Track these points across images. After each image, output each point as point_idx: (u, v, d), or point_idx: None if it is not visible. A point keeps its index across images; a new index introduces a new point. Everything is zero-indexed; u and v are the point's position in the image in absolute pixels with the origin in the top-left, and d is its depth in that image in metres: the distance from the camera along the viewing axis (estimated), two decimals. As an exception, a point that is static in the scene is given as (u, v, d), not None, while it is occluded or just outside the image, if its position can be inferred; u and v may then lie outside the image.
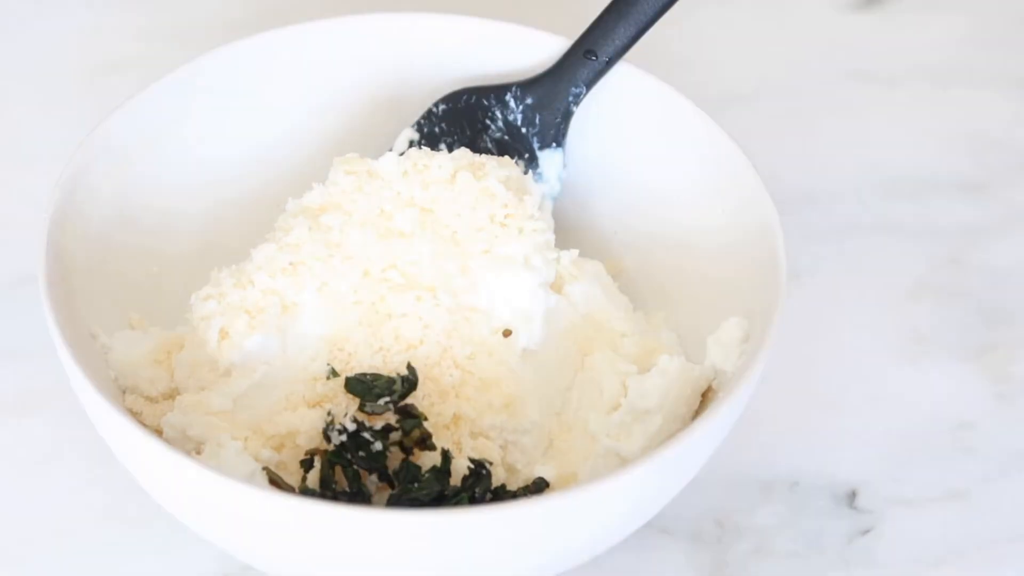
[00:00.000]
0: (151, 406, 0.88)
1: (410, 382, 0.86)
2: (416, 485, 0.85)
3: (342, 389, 0.87)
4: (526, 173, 0.96)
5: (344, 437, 0.86)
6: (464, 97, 0.97)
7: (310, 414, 0.86)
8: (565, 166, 0.97)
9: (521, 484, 0.87)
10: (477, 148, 0.96)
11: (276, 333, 0.87)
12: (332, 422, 0.86)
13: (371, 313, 0.87)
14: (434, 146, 0.97)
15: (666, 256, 0.95)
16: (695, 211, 0.94)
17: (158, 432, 0.86)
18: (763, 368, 0.84)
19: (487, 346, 0.87)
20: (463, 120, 0.97)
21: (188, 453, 0.84)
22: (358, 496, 0.85)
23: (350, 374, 0.87)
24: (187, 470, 0.78)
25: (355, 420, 0.86)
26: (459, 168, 0.91)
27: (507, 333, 0.87)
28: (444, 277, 0.87)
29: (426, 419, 0.86)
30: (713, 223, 0.93)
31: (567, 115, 0.96)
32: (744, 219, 0.91)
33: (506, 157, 0.94)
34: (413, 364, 0.86)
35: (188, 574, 0.89)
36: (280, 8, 1.15)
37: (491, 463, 0.86)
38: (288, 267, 0.88)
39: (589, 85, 0.96)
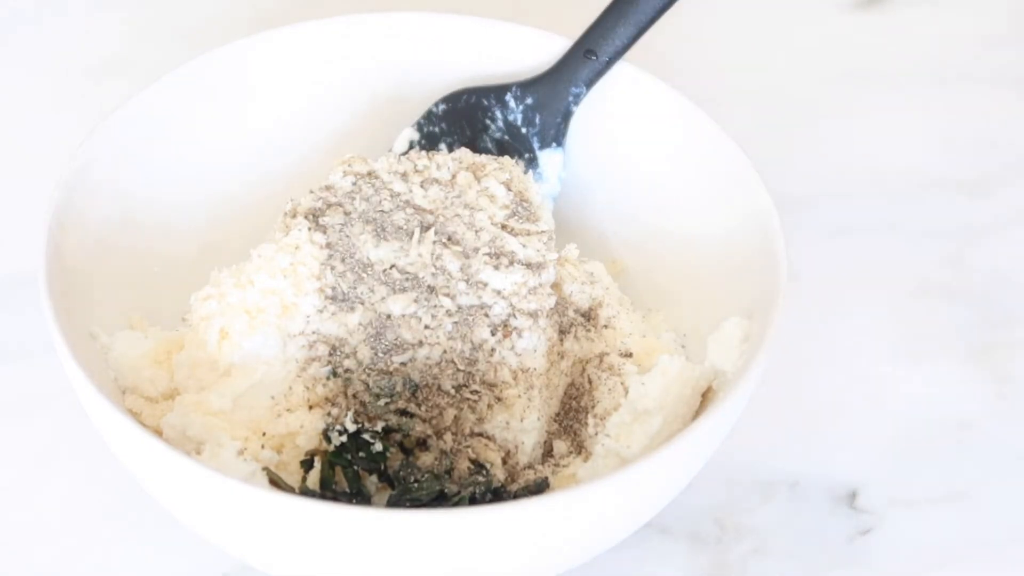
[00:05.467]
0: (151, 406, 0.88)
1: (410, 383, 0.86)
2: (416, 485, 0.85)
3: (342, 390, 0.87)
4: (526, 173, 0.96)
5: (344, 438, 0.86)
6: (464, 97, 0.97)
7: (310, 415, 0.86)
8: (565, 166, 0.97)
9: (521, 484, 0.87)
10: (477, 148, 0.97)
11: (276, 333, 0.87)
12: (332, 423, 0.86)
13: (371, 313, 0.87)
14: (434, 146, 0.98)
15: (666, 256, 0.95)
16: (695, 211, 0.94)
17: (158, 432, 0.86)
18: (763, 368, 0.84)
19: (487, 346, 0.87)
20: (463, 120, 0.97)
21: (188, 453, 0.84)
22: (358, 496, 0.85)
23: (350, 375, 0.87)
24: (187, 470, 0.78)
25: (355, 421, 0.86)
26: (459, 168, 0.91)
27: (507, 333, 0.87)
28: (444, 277, 0.87)
29: (426, 420, 0.86)
30: (713, 223, 0.93)
31: (567, 115, 0.96)
32: (744, 219, 0.91)
33: (506, 157, 0.94)
34: (413, 365, 0.86)
35: (188, 574, 0.89)
36: (280, 8, 1.15)
37: (491, 463, 0.86)
38: (288, 267, 0.88)
39: (589, 85, 0.96)
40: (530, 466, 0.88)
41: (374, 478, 0.86)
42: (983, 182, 1.10)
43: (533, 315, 0.88)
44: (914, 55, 1.18)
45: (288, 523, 0.78)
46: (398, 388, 0.86)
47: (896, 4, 1.20)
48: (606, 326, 0.91)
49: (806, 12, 1.20)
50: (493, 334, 0.87)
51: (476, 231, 0.89)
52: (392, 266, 0.88)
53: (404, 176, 0.91)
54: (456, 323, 0.87)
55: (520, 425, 0.87)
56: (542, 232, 0.90)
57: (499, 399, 0.86)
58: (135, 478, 0.84)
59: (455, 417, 0.86)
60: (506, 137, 0.97)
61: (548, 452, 0.89)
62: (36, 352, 0.96)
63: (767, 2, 1.20)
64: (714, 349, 0.89)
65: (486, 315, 0.87)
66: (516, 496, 0.85)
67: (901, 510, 0.93)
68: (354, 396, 0.86)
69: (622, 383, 0.89)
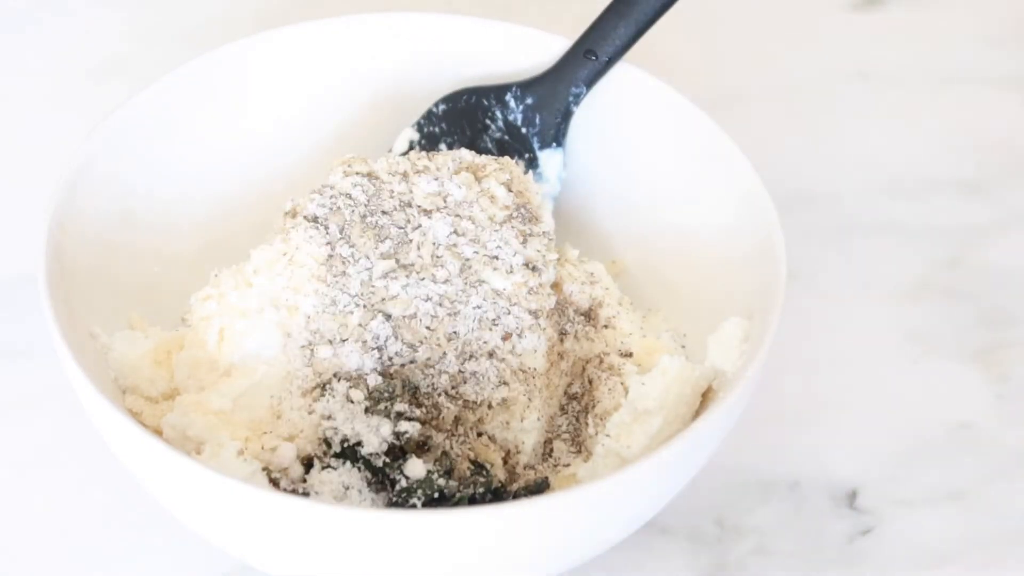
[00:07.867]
0: (151, 406, 0.88)
1: (411, 384, 0.86)
2: (416, 485, 0.85)
3: (342, 391, 0.86)
4: (526, 173, 0.96)
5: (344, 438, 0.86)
6: (464, 97, 0.97)
7: (310, 415, 0.86)
8: (565, 166, 0.97)
9: (521, 484, 0.87)
10: (477, 148, 0.97)
11: (276, 333, 0.87)
12: (332, 423, 0.86)
13: (371, 314, 0.87)
14: (434, 146, 0.98)
15: (666, 256, 0.95)
16: (695, 211, 0.94)
17: (158, 432, 0.86)
18: (763, 368, 0.84)
19: (487, 347, 0.87)
20: (463, 120, 0.97)
21: (188, 453, 0.84)
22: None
23: (351, 375, 0.86)
24: (187, 470, 0.78)
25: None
26: (459, 169, 0.91)
27: (507, 334, 0.87)
28: (444, 278, 0.87)
29: (426, 420, 0.86)
30: (713, 223, 0.93)
31: (567, 115, 0.96)
32: (744, 219, 0.91)
33: (506, 157, 0.94)
34: (413, 365, 0.86)
35: (188, 574, 0.89)
36: (280, 8, 1.15)
37: (491, 463, 0.86)
38: (288, 267, 0.88)
39: (589, 85, 0.96)
40: (530, 466, 0.88)
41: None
42: (983, 182, 1.10)
43: (533, 315, 0.88)
44: (914, 55, 1.18)
45: (288, 523, 0.78)
46: (398, 389, 0.86)
47: (896, 4, 1.21)
48: (606, 326, 0.91)
49: (806, 12, 1.20)
50: (493, 335, 0.87)
51: (476, 231, 0.89)
52: (392, 266, 0.88)
53: (404, 176, 0.91)
54: (456, 323, 0.87)
55: (520, 425, 0.87)
56: (542, 232, 0.90)
57: (499, 400, 0.86)
58: (135, 478, 0.84)
59: (455, 417, 0.86)
60: (506, 137, 0.97)
61: (548, 452, 0.89)
62: (36, 352, 0.96)
63: (767, 2, 1.20)
64: (714, 349, 0.89)
65: (486, 315, 0.87)
66: (516, 496, 0.85)
67: (901, 510, 0.93)
68: (354, 396, 0.86)
69: (622, 383, 0.89)
